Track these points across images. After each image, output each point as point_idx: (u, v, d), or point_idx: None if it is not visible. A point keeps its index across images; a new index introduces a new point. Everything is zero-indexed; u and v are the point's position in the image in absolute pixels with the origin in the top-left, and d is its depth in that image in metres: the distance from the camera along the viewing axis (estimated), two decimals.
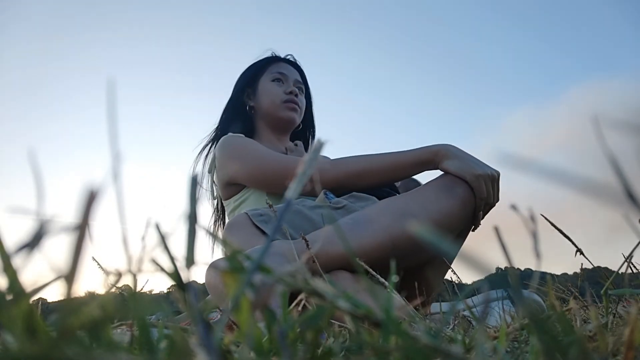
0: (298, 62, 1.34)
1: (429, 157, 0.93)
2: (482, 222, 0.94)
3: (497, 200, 0.92)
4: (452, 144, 0.94)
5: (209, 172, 1.25)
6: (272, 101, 1.24)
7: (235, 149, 1.11)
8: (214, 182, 1.25)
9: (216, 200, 1.27)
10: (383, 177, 0.97)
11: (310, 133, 1.42)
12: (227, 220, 1.22)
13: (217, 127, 1.30)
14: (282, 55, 1.33)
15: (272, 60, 1.30)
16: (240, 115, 1.29)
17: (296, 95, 1.26)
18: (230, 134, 1.20)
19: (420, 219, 0.83)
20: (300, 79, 1.31)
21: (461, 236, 0.95)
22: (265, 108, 1.25)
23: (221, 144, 1.15)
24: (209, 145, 1.28)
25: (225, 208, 1.21)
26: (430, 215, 0.84)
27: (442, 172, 0.93)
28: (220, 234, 1.25)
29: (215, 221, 1.29)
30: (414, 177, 1.54)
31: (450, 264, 0.95)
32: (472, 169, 0.88)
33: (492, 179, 0.89)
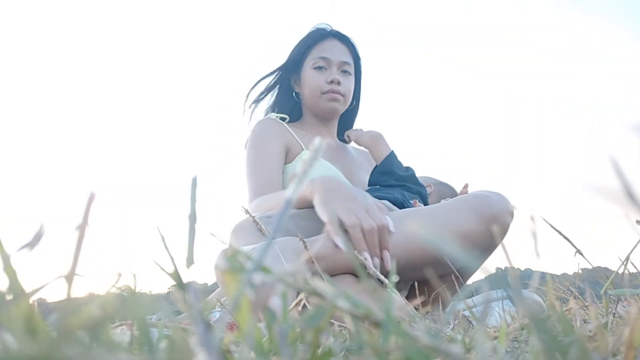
0: (346, 35, 1.26)
1: (306, 194, 0.83)
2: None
3: (373, 224, 0.74)
4: (334, 177, 0.84)
5: (245, 147, 1.25)
6: (313, 92, 1.20)
7: (248, 163, 1.13)
8: None
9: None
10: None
11: (357, 109, 1.37)
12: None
13: (260, 98, 1.28)
14: (332, 29, 1.25)
15: (316, 39, 1.23)
16: (289, 97, 1.28)
17: (339, 83, 1.20)
18: (270, 116, 1.22)
19: (440, 234, 0.81)
20: (347, 57, 1.23)
21: (483, 255, 0.90)
22: (307, 98, 1.23)
23: (254, 131, 1.17)
24: (253, 108, 1.29)
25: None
26: (452, 232, 0.81)
27: (478, 191, 0.89)
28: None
29: None
30: (448, 183, 1.49)
31: (465, 282, 0.94)
32: (324, 213, 0.76)
33: (350, 222, 0.73)
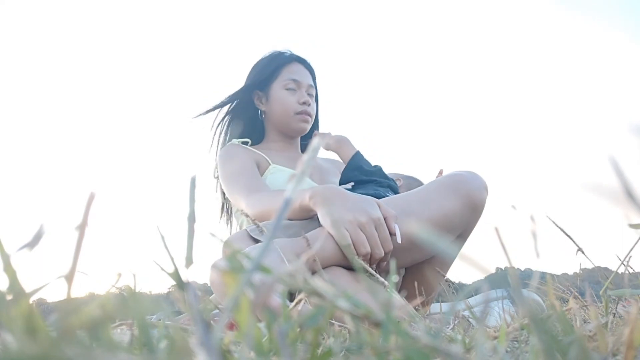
0: (307, 61, 1.32)
1: (307, 204, 0.85)
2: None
3: (381, 250, 0.76)
4: (333, 186, 0.86)
5: (214, 176, 1.28)
6: (285, 111, 1.24)
7: (226, 174, 1.14)
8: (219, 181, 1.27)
9: (224, 201, 1.30)
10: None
11: (317, 128, 1.42)
12: (233, 218, 1.28)
13: (223, 122, 1.29)
14: (295, 54, 1.30)
15: (284, 61, 1.27)
16: (249, 116, 1.29)
17: (309, 105, 1.25)
18: (233, 142, 1.23)
19: (421, 217, 0.83)
20: (311, 82, 1.29)
21: (463, 236, 0.93)
22: (277, 117, 1.26)
23: (220, 156, 1.18)
24: (217, 133, 1.30)
25: (233, 207, 1.26)
26: (431, 214, 0.84)
27: (451, 172, 0.92)
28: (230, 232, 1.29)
29: (226, 220, 1.31)
30: (415, 177, 1.54)
31: (450, 264, 0.94)
32: (328, 215, 0.79)
33: (360, 225, 0.76)
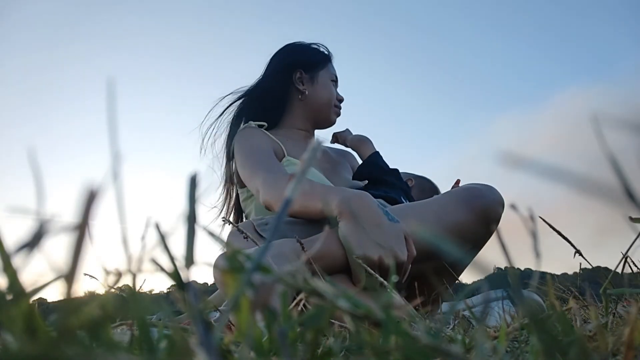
0: None
1: (331, 210, 0.82)
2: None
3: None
4: (364, 195, 0.81)
5: (229, 159, 1.23)
6: (330, 100, 1.25)
7: (243, 152, 1.10)
8: (229, 167, 1.23)
9: (227, 185, 1.27)
10: (298, 214, 0.89)
11: None
12: (241, 207, 1.25)
13: (245, 95, 1.25)
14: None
15: (330, 58, 1.30)
16: (271, 97, 1.23)
17: (342, 102, 1.30)
18: (250, 124, 1.18)
19: (433, 228, 0.83)
20: None
21: (475, 248, 0.92)
22: (321, 103, 1.24)
23: (237, 140, 1.13)
24: (232, 104, 1.25)
25: (240, 195, 1.22)
26: (444, 225, 0.84)
27: (468, 184, 0.92)
28: (231, 219, 1.27)
29: (227, 210, 1.28)
30: (427, 177, 1.56)
31: (459, 275, 0.94)
32: (353, 244, 0.75)
33: (382, 269, 0.73)
